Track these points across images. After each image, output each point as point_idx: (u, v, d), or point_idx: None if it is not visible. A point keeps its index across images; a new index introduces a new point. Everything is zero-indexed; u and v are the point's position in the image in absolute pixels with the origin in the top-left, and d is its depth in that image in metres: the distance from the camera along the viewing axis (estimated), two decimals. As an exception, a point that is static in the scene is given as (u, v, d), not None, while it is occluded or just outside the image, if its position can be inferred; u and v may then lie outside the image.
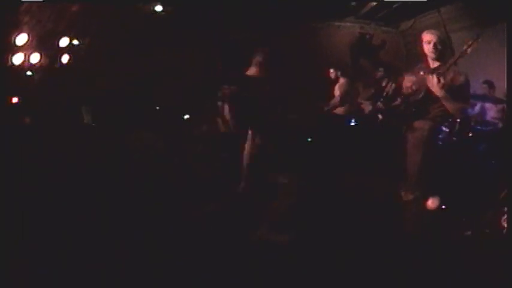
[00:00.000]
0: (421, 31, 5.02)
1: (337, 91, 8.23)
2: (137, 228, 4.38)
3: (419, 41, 4.96)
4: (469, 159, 5.90)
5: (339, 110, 8.12)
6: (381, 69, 8.61)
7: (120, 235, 4.25)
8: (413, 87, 4.86)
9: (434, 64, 4.85)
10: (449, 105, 4.73)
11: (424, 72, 4.84)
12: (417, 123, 4.83)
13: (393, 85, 5.23)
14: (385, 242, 4.37)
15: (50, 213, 4.45)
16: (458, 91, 4.70)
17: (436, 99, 4.72)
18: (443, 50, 4.84)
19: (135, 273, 3.64)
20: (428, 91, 4.69)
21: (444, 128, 5.89)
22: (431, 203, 4.85)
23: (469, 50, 4.56)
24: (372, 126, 6.18)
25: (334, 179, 5.91)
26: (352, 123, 7.77)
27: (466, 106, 5.33)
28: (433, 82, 4.59)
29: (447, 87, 4.63)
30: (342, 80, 8.27)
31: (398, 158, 5.15)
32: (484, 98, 6.80)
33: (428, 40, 4.80)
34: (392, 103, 5.11)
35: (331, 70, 8.45)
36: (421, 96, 4.78)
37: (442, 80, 4.57)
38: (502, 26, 5.82)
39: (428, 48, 4.81)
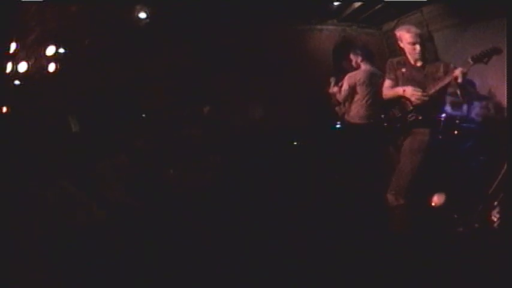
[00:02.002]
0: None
1: (346, 81, 6.62)
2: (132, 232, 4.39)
3: (396, 39, 4.88)
4: (456, 157, 5.95)
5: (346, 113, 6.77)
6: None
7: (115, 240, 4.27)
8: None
9: (417, 62, 4.77)
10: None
11: (406, 70, 4.78)
12: (417, 128, 4.75)
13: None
14: (378, 241, 4.43)
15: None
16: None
17: (436, 104, 4.77)
18: (423, 49, 4.76)
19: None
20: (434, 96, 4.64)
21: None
22: (437, 199, 4.88)
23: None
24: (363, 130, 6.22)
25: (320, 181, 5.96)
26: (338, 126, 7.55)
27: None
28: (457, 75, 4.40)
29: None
30: (364, 67, 6.60)
31: (386, 162, 5.17)
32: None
33: (411, 42, 4.69)
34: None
35: (351, 55, 6.79)
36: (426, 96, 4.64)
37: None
38: (485, 22, 5.88)
39: (414, 50, 4.71)
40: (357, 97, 6.51)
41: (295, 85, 8.16)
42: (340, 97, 6.81)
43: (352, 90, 6.52)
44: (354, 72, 6.61)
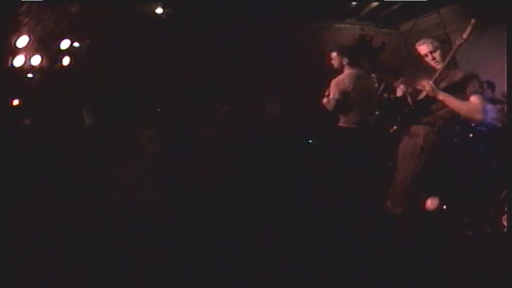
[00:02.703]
0: (422, 33, 4.88)
1: (334, 88, 6.01)
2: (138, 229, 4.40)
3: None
4: (470, 160, 5.89)
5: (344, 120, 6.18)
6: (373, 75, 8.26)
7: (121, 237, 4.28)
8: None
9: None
10: (458, 107, 4.30)
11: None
12: (413, 129, 4.50)
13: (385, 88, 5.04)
14: (385, 244, 4.39)
15: (50, 215, 4.46)
16: (461, 87, 4.35)
17: (431, 106, 4.46)
18: (441, 54, 4.53)
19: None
20: (426, 98, 4.43)
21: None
22: (431, 203, 4.64)
23: (465, 35, 4.20)
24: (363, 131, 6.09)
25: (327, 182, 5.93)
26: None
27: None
28: (429, 88, 4.29)
29: (449, 88, 4.37)
30: (348, 71, 6.08)
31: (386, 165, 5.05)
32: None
33: (424, 53, 4.56)
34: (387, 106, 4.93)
35: (334, 54, 6.21)
36: (422, 97, 4.48)
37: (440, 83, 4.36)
38: (502, 25, 5.81)
39: (428, 61, 4.55)
40: (349, 103, 5.99)
41: (311, 84, 8.10)
42: (330, 106, 6.05)
43: (343, 98, 5.95)
44: (339, 78, 6.04)
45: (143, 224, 4.60)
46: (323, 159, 6.31)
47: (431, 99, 4.39)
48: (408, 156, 4.42)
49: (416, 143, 4.40)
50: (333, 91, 5.98)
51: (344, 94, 5.93)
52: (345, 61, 6.06)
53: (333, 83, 6.02)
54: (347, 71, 6.07)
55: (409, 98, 4.54)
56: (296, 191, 5.87)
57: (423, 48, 4.58)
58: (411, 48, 8.73)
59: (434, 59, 4.50)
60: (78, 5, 5.82)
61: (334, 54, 6.19)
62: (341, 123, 6.16)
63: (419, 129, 4.45)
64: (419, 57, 4.82)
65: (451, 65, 4.46)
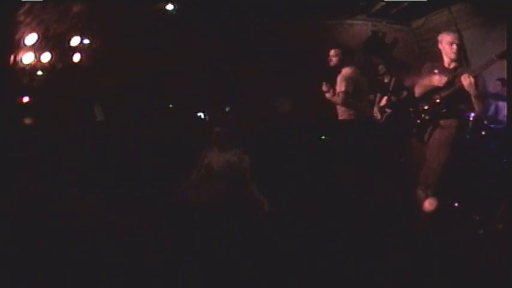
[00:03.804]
0: (433, 30, 5.06)
1: (340, 85, 6.18)
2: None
3: (436, 41, 5.00)
4: (482, 158, 5.87)
5: (342, 112, 6.34)
6: (381, 66, 8.36)
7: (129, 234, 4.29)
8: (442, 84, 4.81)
9: (451, 65, 4.89)
10: (478, 104, 4.72)
11: (440, 72, 4.86)
12: (444, 122, 4.82)
13: (397, 81, 5.24)
14: (396, 241, 4.37)
15: (58, 212, 4.48)
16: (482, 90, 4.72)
17: (463, 98, 4.73)
18: (459, 49, 4.91)
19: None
20: (461, 90, 4.67)
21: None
22: (429, 204, 4.81)
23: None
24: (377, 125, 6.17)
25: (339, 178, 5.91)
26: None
27: (488, 104, 5.46)
28: (470, 82, 4.54)
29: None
30: (346, 70, 6.25)
31: (411, 157, 5.18)
32: (497, 97, 6.72)
33: (450, 41, 4.84)
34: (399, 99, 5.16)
35: (332, 52, 6.41)
36: (452, 94, 4.77)
37: (478, 81, 4.58)
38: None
39: (451, 49, 4.84)
40: (358, 95, 6.20)
41: (323, 80, 8.05)
42: (339, 100, 6.19)
43: (352, 90, 6.11)
44: (345, 72, 6.22)
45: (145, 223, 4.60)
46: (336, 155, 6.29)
47: (460, 93, 4.69)
48: (442, 146, 4.77)
49: (450, 134, 4.79)
50: (340, 85, 6.14)
51: (351, 87, 6.11)
52: (343, 58, 6.30)
53: (340, 77, 6.20)
54: (346, 67, 6.28)
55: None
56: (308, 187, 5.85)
57: (450, 37, 4.89)
58: (424, 44, 8.75)
59: (457, 51, 4.86)
60: (87, 2, 5.83)
61: (332, 52, 6.37)
62: (340, 117, 6.38)
63: (451, 122, 4.83)
64: (432, 53, 4.95)
65: (463, 64, 4.73)
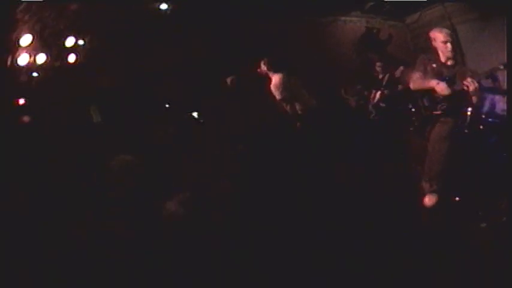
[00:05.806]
0: (428, 25, 5.17)
1: (276, 92, 6.87)
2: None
3: (428, 38, 5.21)
4: (481, 152, 5.88)
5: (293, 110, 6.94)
6: (377, 63, 8.48)
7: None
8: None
9: (448, 61, 5.14)
10: (476, 100, 5.10)
11: (436, 66, 5.09)
12: (444, 117, 5.08)
13: (392, 76, 5.35)
14: (399, 235, 4.37)
15: (53, 214, 4.45)
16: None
17: (463, 97, 5.03)
18: (453, 45, 5.17)
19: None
20: (463, 91, 4.96)
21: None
22: (428, 200, 5.00)
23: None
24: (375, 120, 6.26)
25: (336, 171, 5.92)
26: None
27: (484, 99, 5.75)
28: (475, 87, 4.87)
29: None
30: (275, 78, 6.93)
31: (413, 151, 5.27)
32: (492, 91, 6.73)
33: (443, 40, 5.08)
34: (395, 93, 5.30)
35: (262, 63, 7.11)
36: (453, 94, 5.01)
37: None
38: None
39: (446, 48, 5.09)
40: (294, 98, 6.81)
41: (318, 77, 8.07)
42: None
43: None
44: (275, 79, 6.77)
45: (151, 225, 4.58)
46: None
47: (461, 94, 5.01)
48: (443, 139, 5.06)
49: (450, 127, 5.09)
50: (275, 94, 6.82)
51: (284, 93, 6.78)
52: (271, 67, 6.90)
53: (272, 87, 6.85)
54: (274, 77, 6.89)
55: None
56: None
57: (443, 35, 5.13)
58: (417, 40, 8.77)
59: (452, 49, 5.11)
60: (81, 2, 5.79)
61: (262, 62, 7.02)
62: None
63: (450, 117, 5.12)
64: (427, 49, 5.02)
65: (459, 60, 4.84)
